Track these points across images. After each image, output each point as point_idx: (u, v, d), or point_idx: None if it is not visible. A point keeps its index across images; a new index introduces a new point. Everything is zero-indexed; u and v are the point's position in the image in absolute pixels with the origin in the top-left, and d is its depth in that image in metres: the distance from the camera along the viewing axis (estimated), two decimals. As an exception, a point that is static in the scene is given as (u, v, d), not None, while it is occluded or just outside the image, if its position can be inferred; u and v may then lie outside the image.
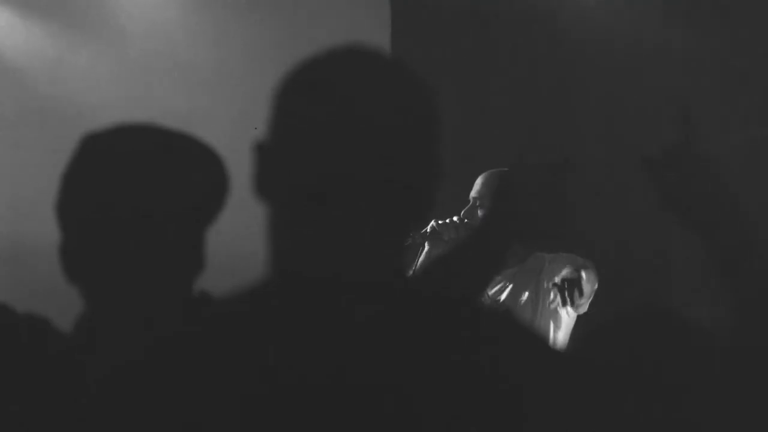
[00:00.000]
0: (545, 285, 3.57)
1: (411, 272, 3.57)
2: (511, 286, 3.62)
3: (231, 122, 4.30)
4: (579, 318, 3.69)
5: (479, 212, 3.63)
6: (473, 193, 3.67)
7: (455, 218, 3.63)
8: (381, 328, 1.20)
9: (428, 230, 3.62)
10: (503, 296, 3.61)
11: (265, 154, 1.27)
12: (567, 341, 3.61)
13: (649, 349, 1.45)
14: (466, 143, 4.63)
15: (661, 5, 4.66)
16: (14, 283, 4.33)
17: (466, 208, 3.67)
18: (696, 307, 4.43)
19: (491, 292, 3.64)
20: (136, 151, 1.63)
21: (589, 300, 3.55)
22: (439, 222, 3.61)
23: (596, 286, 3.51)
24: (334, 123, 1.22)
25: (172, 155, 1.65)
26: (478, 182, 3.69)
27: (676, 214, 1.57)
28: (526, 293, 3.58)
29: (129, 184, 1.60)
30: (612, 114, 4.73)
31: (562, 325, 3.58)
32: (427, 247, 3.61)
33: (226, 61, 4.92)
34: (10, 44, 4.98)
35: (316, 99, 1.24)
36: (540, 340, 1.30)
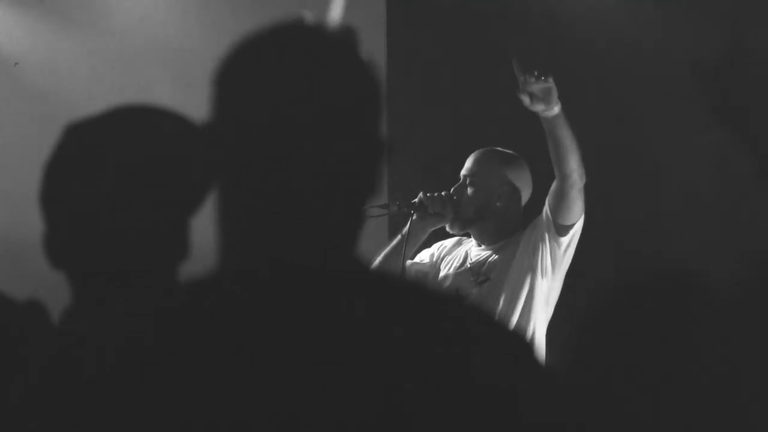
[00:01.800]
0: (525, 252, 3.57)
1: (400, 238, 3.68)
2: (494, 257, 3.63)
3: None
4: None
5: (469, 190, 3.67)
6: (464, 171, 3.71)
7: (443, 193, 3.66)
8: (332, 316, 1.18)
9: (416, 201, 3.66)
10: (485, 267, 3.62)
11: (209, 136, 1.25)
12: (546, 314, 3.59)
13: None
14: (463, 133, 4.64)
15: (663, 2, 4.66)
16: (9, 276, 4.33)
17: (457, 184, 3.71)
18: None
19: (473, 261, 3.65)
20: (119, 137, 1.61)
21: (581, 180, 3.51)
22: (427, 195, 3.65)
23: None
24: (273, 101, 1.21)
25: (157, 139, 1.63)
26: (469, 160, 3.72)
27: (722, 125, 1.56)
28: (504, 259, 3.59)
29: (112, 171, 1.59)
30: (612, 111, 4.72)
31: (540, 293, 3.56)
32: (414, 217, 3.65)
33: (221, 53, 4.93)
34: (3, 36, 5.01)
35: (253, 78, 1.23)
36: (516, 336, 1.27)
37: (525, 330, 3.49)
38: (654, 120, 4.63)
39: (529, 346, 1.23)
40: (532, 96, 3.39)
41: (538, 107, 3.40)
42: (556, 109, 3.40)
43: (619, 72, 4.70)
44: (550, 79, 3.39)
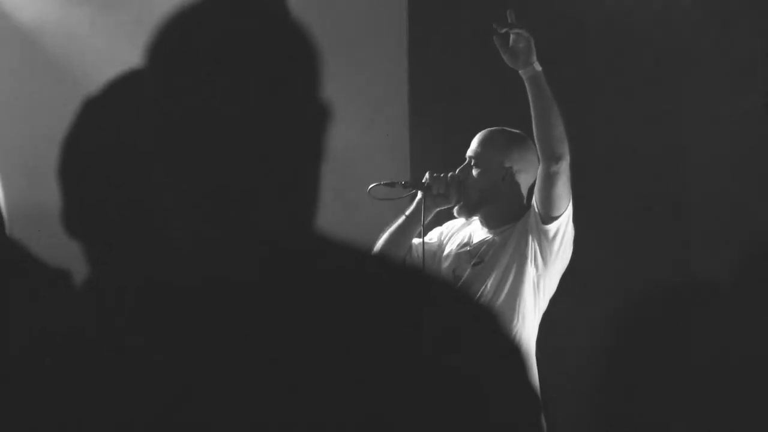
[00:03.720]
0: (518, 238, 3.58)
1: (404, 218, 3.69)
2: (494, 240, 3.64)
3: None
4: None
5: (474, 171, 3.67)
6: (469, 152, 3.71)
7: (449, 174, 3.67)
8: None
9: (423, 181, 3.69)
10: (482, 249, 3.64)
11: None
12: (538, 305, 3.60)
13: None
14: (482, 118, 4.64)
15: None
16: (34, 246, 4.31)
17: (462, 165, 3.71)
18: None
19: (475, 243, 3.67)
20: (134, 106, 1.62)
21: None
22: (433, 175, 3.67)
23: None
24: (205, 69, 1.21)
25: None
26: (474, 141, 3.72)
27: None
28: (500, 243, 3.61)
29: (126, 141, 1.57)
30: (619, 107, 4.71)
31: (528, 280, 3.56)
32: (419, 196, 3.68)
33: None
34: (21, 5, 5.02)
35: (185, 48, 1.23)
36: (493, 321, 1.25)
37: (511, 315, 3.51)
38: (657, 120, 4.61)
39: (504, 332, 1.23)
40: (506, 47, 3.48)
41: (510, 60, 3.48)
42: (530, 69, 3.47)
43: (628, 65, 4.68)
44: (525, 32, 3.47)
